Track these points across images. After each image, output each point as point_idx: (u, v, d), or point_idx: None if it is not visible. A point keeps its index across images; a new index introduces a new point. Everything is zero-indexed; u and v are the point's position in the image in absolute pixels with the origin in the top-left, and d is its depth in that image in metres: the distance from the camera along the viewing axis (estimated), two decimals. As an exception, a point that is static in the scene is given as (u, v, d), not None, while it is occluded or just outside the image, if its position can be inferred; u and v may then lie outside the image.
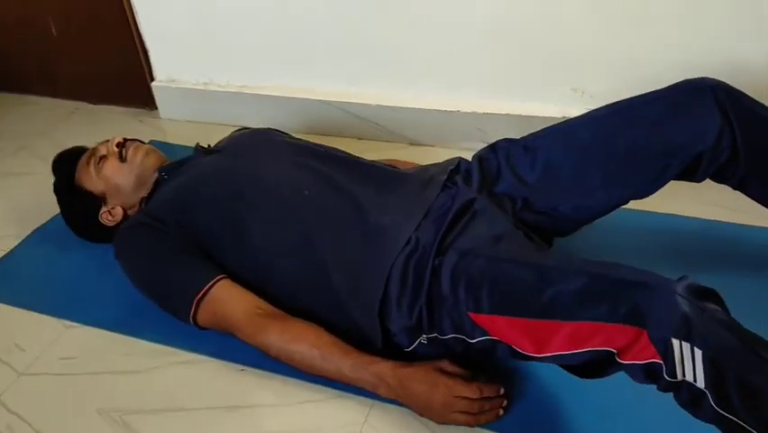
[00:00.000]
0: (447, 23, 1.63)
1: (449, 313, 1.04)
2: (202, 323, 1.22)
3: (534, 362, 1.01)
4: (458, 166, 1.27)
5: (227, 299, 1.20)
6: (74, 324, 1.36)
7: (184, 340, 1.28)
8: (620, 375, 0.97)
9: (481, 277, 1.01)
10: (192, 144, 1.85)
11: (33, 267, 1.53)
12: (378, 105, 1.80)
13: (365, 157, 1.37)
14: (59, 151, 1.51)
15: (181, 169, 1.37)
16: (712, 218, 1.44)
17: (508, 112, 1.67)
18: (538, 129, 1.63)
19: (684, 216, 1.45)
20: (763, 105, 1.16)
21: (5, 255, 1.56)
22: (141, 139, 1.51)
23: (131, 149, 1.42)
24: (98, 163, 1.41)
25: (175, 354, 1.27)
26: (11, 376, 1.26)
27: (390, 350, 1.12)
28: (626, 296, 0.89)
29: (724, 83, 1.15)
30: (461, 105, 1.70)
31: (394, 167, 1.34)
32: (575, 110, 1.60)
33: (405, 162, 1.44)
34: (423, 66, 1.72)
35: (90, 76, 2.15)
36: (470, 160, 1.30)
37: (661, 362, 0.86)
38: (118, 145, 1.41)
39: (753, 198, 1.20)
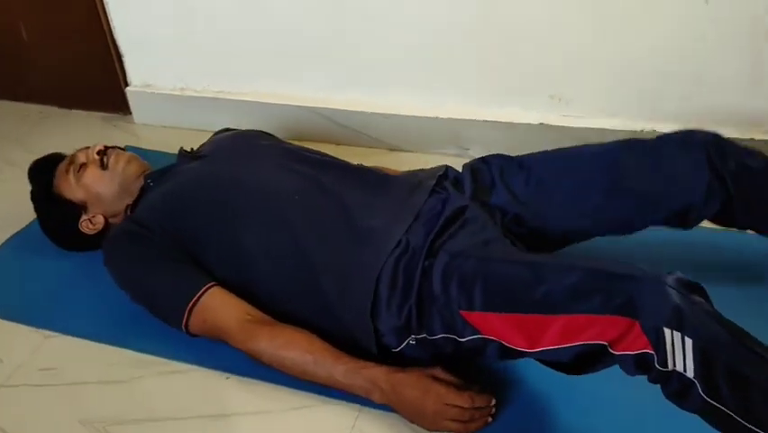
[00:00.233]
0: (426, 30, 1.64)
1: (440, 312, 1.05)
2: (193, 330, 1.21)
3: (525, 358, 1.02)
4: (446, 172, 1.29)
5: (218, 307, 1.19)
6: (53, 333, 1.34)
7: (169, 349, 1.27)
8: (606, 381, 0.99)
9: (474, 275, 1.03)
10: (168, 150, 1.86)
11: (9, 276, 1.51)
12: (357, 111, 1.81)
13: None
14: (31, 156, 1.48)
15: (167, 176, 1.36)
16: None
17: (487, 118, 1.69)
18: (517, 135, 1.68)
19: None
20: (752, 153, 1.20)
21: (-21, 264, 1.53)
22: (118, 145, 1.49)
23: (112, 156, 1.40)
24: (78, 171, 1.39)
25: (159, 363, 1.26)
26: (-11, 388, 1.24)
27: (379, 350, 1.12)
28: (618, 288, 0.91)
29: (715, 136, 1.20)
30: (440, 112, 1.72)
31: (382, 170, 1.35)
32: (553, 117, 1.65)
33: (389, 170, 1.45)
34: (402, 72, 1.73)
35: (62, 80, 2.12)
36: (455, 168, 1.32)
37: (652, 352, 0.88)
38: (99, 153, 1.39)
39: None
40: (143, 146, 1.91)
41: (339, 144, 1.83)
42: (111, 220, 1.41)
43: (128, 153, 1.45)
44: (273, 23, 1.77)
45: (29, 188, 1.45)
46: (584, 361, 0.97)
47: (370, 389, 1.10)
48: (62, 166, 1.42)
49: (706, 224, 1.24)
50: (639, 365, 0.91)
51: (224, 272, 1.24)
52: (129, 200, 1.39)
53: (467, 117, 1.70)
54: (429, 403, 1.05)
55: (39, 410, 1.20)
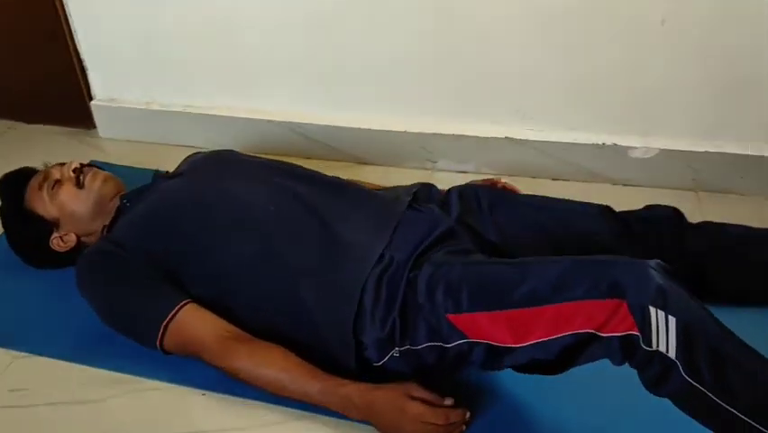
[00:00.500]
0: (395, 47, 1.67)
1: (425, 319, 1.07)
2: (168, 348, 1.20)
3: (509, 361, 1.04)
4: (429, 190, 1.34)
5: (194, 323, 1.19)
6: (23, 354, 1.32)
7: (142, 367, 1.26)
8: (580, 394, 1.02)
9: (460, 279, 1.06)
10: (134, 164, 1.85)
11: (-27, 295, 1.47)
12: (327, 126, 1.82)
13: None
14: (-8, 171, 1.46)
15: (143, 195, 1.36)
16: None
17: (455, 132, 1.72)
18: (484, 148, 1.72)
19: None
20: (714, 229, 1.29)
21: (-59, 283, 1.49)
22: (82, 161, 1.46)
23: (89, 175, 1.39)
24: (52, 188, 1.36)
25: (133, 381, 1.26)
26: (-43, 412, 1.21)
27: (359, 365, 1.13)
28: (603, 273, 0.95)
29: (676, 217, 1.28)
30: (409, 126, 1.75)
31: (357, 184, 1.38)
32: (518, 130, 1.70)
33: (363, 183, 1.47)
34: (371, 87, 1.75)
35: (25, 94, 2.08)
36: (435, 185, 1.37)
37: (638, 333, 0.92)
38: (75, 171, 1.37)
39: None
40: (110, 161, 1.90)
41: (309, 158, 1.84)
42: (83, 239, 1.39)
43: (104, 172, 1.43)
44: (240, 38, 1.78)
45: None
46: (570, 354, 0.99)
47: (346, 406, 1.11)
48: (35, 181, 1.39)
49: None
50: (624, 348, 0.94)
51: (201, 289, 1.23)
52: (104, 220, 1.38)
53: (435, 131, 1.74)
54: (405, 423, 1.06)
55: (9, 432, 1.18)
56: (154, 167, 1.52)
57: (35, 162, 1.50)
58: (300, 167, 1.40)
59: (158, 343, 1.20)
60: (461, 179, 1.47)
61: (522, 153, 1.71)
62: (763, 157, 1.58)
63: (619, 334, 0.93)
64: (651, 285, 0.92)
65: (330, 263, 1.16)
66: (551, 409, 1.16)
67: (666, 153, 1.62)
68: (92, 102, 2.02)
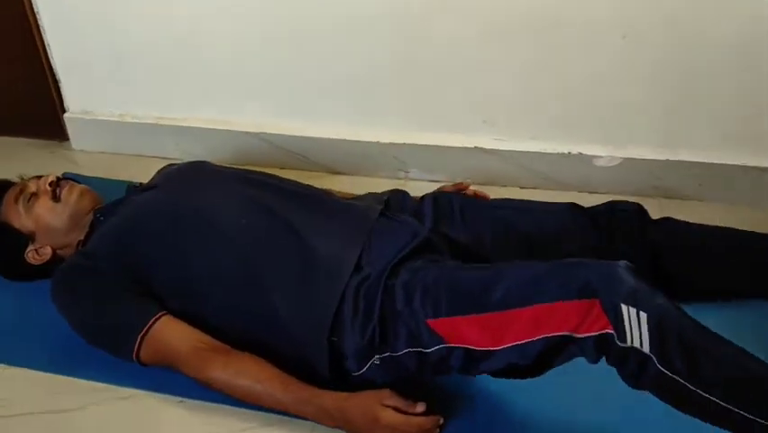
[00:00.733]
0: (366, 60, 1.71)
1: (405, 325, 1.09)
2: (145, 360, 1.21)
3: (488, 366, 1.07)
4: (400, 197, 1.38)
5: (169, 335, 1.20)
6: (2, 365, 1.32)
7: (120, 376, 1.28)
8: (553, 394, 1.06)
9: (436, 283, 1.09)
10: (108, 176, 1.85)
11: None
12: (299, 137, 1.85)
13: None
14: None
15: (117, 208, 1.36)
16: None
17: (426, 143, 1.77)
18: (454, 158, 1.77)
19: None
20: (674, 224, 1.36)
21: None
22: (58, 174, 1.46)
23: (65, 189, 1.39)
24: (28, 201, 1.36)
25: (111, 390, 1.27)
26: (-65, 424, 1.22)
27: (339, 376, 1.15)
28: (575, 275, 1.00)
29: (639, 211, 1.35)
30: (381, 137, 1.79)
31: (329, 193, 1.40)
32: (486, 140, 1.75)
33: (334, 192, 1.50)
34: (342, 99, 1.79)
35: (-3, 107, 2.07)
36: (408, 193, 1.42)
37: (612, 332, 0.96)
38: (51, 184, 1.37)
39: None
40: (83, 173, 1.90)
41: (283, 168, 1.86)
42: (59, 252, 1.39)
43: (81, 186, 1.43)
44: (213, 50, 1.80)
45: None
46: (546, 356, 1.03)
47: (320, 416, 1.13)
48: (11, 194, 1.39)
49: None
50: (599, 346, 0.99)
51: (176, 300, 1.24)
52: (79, 234, 1.38)
53: (407, 142, 1.78)
54: (378, 431, 1.08)
55: (-11, 443, 1.19)
56: (127, 179, 1.54)
57: (8, 175, 1.50)
58: (273, 176, 1.42)
59: (134, 355, 1.21)
60: (433, 188, 1.51)
61: (491, 163, 1.76)
62: (719, 165, 1.65)
63: (595, 333, 0.98)
64: (622, 284, 0.97)
65: (305, 276, 1.18)
66: (524, 411, 1.20)
67: (629, 162, 1.69)
68: (65, 114, 2.02)
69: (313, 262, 1.19)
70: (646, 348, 0.95)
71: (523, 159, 1.74)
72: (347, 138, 1.82)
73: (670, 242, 1.32)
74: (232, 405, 1.20)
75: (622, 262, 1.01)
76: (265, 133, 1.87)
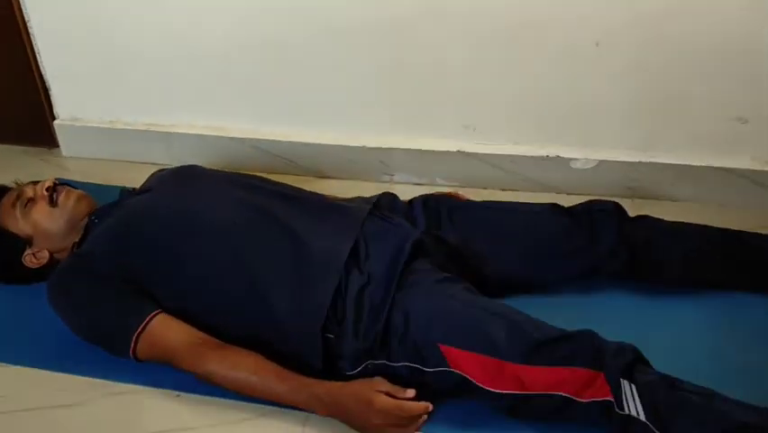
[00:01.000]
0: (352, 68, 1.76)
1: (413, 341, 1.15)
2: (141, 356, 1.24)
3: (480, 396, 1.13)
4: (391, 199, 1.44)
5: (165, 333, 1.23)
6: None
7: (116, 373, 1.31)
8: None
9: (452, 313, 1.16)
10: (99, 181, 1.88)
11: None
12: (286, 141, 1.90)
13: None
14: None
15: (112, 211, 1.39)
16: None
17: (410, 147, 1.82)
18: (437, 161, 1.82)
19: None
20: (651, 220, 1.44)
21: None
22: (55, 180, 1.49)
23: (62, 193, 1.41)
24: (25, 206, 1.39)
25: (108, 385, 1.30)
26: (-64, 421, 1.24)
27: (330, 371, 1.20)
28: (586, 344, 1.09)
29: (617, 209, 1.43)
30: (366, 142, 1.84)
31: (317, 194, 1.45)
32: (468, 144, 1.81)
33: (324, 195, 1.55)
34: (329, 104, 1.84)
35: (-15, 114, 2.09)
36: (397, 196, 1.48)
37: (612, 399, 1.05)
38: (48, 189, 1.40)
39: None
40: (76, 179, 1.92)
41: (271, 173, 1.89)
42: (56, 255, 1.42)
43: (78, 191, 1.46)
44: (202, 57, 1.83)
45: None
46: (542, 409, 1.11)
47: (314, 404, 1.17)
48: (8, 199, 1.41)
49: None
50: (602, 411, 1.07)
51: (171, 299, 1.27)
52: (76, 237, 1.41)
53: (391, 146, 1.83)
54: (372, 414, 1.12)
55: (-10, 438, 1.21)
56: (118, 185, 1.57)
57: (2, 182, 1.53)
58: (264, 179, 1.47)
59: (130, 353, 1.24)
60: (418, 191, 1.57)
61: (473, 166, 1.82)
62: (691, 166, 1.72)
63: (600, 399, 1.06)
64: (620, 360, 1.06)
65: (299, 270, 1.22)
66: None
67: (605, 164, 1.75)
68: (55, 121, 2.05)
69: (306, 257, 1.23)
70: (642, 417, 1.03)
71: (503, 162, 1.81)
72: (334, 143, 1.87)
73: (647, 237, 1.39)
74: (227, 398, 1.24)
75: (627, 344, 1.10)
76: (252, 138, 1.91)
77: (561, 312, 1.25)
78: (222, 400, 1.25)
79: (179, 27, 1.80)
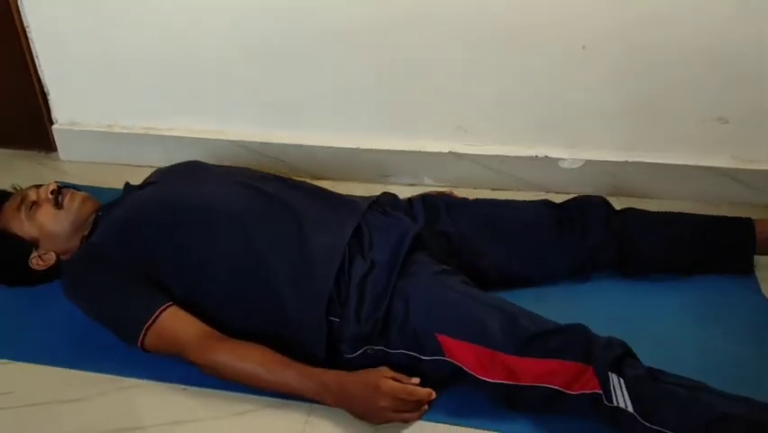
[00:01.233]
0: (348, 70, 1.80)
1: (413, 329, 1.19)
2: (150, 348, 1.27)
3: (472, 385, 1.18)
4: (391, 198, 1.50)
5: (174, 326, 1.26)
6: (5, 361, 1.38)
7: (122, 367, 1.34)
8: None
9: (451, 304, 1.21)
10: (97, 184, 1.90)
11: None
12: (282, 144, 1.93)
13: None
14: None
15: (118, 204, 1.43)
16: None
17: (404, 148, 1.87)
18: (430, 162, 1.87)
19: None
20: (636, 213, 1.51)
21: None
22: (58, 183, 1.51)
23: (67, 196, 1.44)
24: (30, 209, 1.41)
25: (114, 380, 1.33)
26: (-55, 417, 1.26)
27: (330, 356, 1.24)
28: (576, 338, 1.14)
29: (604, 203, 1.50)
30: (361, 143, 1.89)
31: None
32: (460, 145, 1.86)
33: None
34: (324, 107, 1.88)
35: (-16, 119, 2.11)
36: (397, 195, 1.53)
37: (601, 392, 1.10)
38: (53, 192, 1.42)
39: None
40: (74, 182, 1.95)
41: (267, 174, 1.95)
42: (62, 257, 1.44)
43: (82, 193, 1.48)
44: (200, 61, 1.86)
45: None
46: (532, 400, 1.15)
47: (320, 392, 1.20)
48: (12, 203, 1.44)
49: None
50: (592, 404, 1.12)
51: (179, 288, 1.30)
52: (84, 232, 1.44)
53: (386, 148, 1.88)
54: (379, 398, 1.15)
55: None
56: (116, 187, 1.59)
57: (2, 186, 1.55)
58: (263, 172, 1.52)
59: (138, 344, 1.27)
60: (412, 192, 1.62)
61: (464, 166, 1.87)
62: (674, 165, 1.78)
63: (588, 391, 1.11)
64: (609, 354, 1.11)
65: (303, 255, 1.26)
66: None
67: (590, 163, 1.81)
68: (53, 126, 2.07)
69: (310, 243, 1.27)
70: (630, 409, 1.07)
71: (493, 162, 1.86)
72: (329, 145, 1.91)
73: (634, 227, 1.46)
74: (233, 390, 1.27)
75: (615, 338, 1.14)
76: (249, 141, 1.95)
77: (553, 305, 1.30)
78: (227, 392, 1.28)
79: (177, 32, 1.84)
